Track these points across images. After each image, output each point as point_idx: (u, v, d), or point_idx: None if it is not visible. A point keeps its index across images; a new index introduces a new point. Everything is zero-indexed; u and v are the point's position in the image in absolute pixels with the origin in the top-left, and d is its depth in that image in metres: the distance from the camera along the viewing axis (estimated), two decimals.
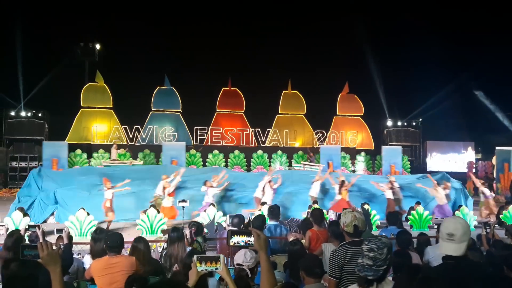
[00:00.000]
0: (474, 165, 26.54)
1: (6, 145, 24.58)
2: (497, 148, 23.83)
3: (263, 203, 12.08)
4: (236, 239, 2.86)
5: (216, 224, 10.21)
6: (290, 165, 21.95)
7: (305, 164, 19.49)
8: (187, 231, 6.35)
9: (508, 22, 31.18)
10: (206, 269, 2.69)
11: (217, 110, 26.43)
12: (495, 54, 30.22)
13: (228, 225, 10.61)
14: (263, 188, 13.57)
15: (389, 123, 28.42)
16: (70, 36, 31.35)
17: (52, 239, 6.81)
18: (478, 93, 29.12)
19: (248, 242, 2.84)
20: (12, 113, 24.22)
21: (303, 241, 5.77)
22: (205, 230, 8.09)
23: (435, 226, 12.14)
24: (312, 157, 21.53)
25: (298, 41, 36.59)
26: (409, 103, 29.29)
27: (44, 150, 20.97)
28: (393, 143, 27.50)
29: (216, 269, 2.70)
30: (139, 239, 5.02)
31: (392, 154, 23.31)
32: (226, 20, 36.30)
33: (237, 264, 3.81)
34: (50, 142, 22.38)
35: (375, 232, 10.18)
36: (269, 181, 13.63)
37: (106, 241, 4.75)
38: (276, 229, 6.91)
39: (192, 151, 22.19)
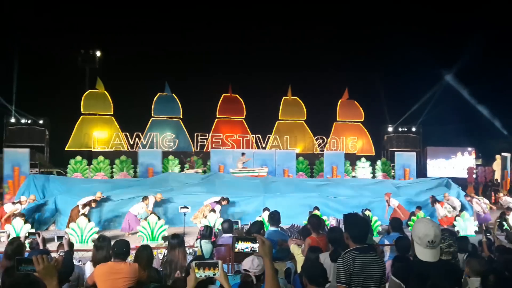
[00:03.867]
0: (474, 171, 26.49)
1: None
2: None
3: (265, 209, 12.06)
4: (240, 245, 2.85)
5: (217, 231, 10.18)
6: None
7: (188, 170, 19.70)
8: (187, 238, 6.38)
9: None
10: (204, 275, 2.68)
11: (217, 116, 26.44)
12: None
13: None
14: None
15: (390, 128, 28.43)
16: (71, 43, 31.49)
17: (52, 246, 6.82)
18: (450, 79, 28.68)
19: (253, 248, 2.83)
20: (13, 120, 24.21)
21: (303, 247, 5.74)
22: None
23: None
24: (193, 163, 21.33)
25: (298, 47, 36.75)
26: (410, 108, 29.30)
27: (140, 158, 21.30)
28: (393, 149, 27.51)
29: (214, 275, 2.69)
30: (144, 247, 5.04)
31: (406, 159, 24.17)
32: (227, 26, 36.46)
33: (244, 270, 3.80)
34: (146, 150, 22.76)
35: (376, 238, 10.17)
36: None
37: (113, 247, 4.78)
38: (277, 236, 6.88)
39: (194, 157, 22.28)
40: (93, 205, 12.68)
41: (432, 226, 3.09)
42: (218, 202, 13.29)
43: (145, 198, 12.78)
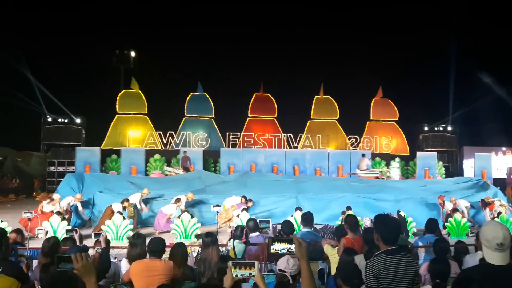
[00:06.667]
0: None
1: (44, 150, 25.31)
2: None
3: (297, 209, 11.97)
4: (277, 246, 2.83)
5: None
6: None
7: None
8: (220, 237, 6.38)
9: None
10: (240, 275, 2.68)
11: (249, 115, 26.53)
12: None
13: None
14: None
15: (425, 128, 27.82)
16: (106, 44, 32.14)
17: (89, 242, 6.95)
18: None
19: (289, 249, 2.81)
20: (50, 119, 24.92)
21: (338, 247, 5.67)
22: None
23: (471, 234, 11.87)
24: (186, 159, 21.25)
25: (330, 45, 36.39)
26: (446, 107, 28.63)
27: (78, 155, 21.67)
28: (429, 149, 26.91)
29: (250, 274, 2.68)
30: (179, 245, 5.08)
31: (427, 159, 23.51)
32: (258, 26, 36.46)
33: (280, 270, 3.79)
34: (84, 148, 23.09)
35: (411, 239, 9.97)
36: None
37: (149, 245, 4.84)
38: (310, 236, 6.82)
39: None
40: (126, 204, 12.66)
41: (501, 228, 2.97)
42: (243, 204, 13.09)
43: (177, 200, 12.82)
